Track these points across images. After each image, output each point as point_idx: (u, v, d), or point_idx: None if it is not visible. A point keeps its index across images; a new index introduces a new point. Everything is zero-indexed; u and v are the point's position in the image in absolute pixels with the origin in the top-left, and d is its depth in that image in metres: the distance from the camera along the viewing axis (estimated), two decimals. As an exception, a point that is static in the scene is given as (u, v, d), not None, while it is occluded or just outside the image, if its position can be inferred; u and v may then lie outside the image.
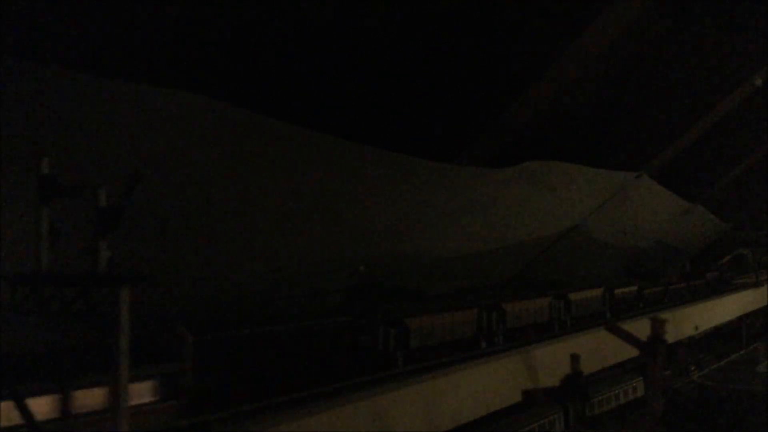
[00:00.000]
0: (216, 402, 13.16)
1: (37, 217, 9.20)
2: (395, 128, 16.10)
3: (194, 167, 13.45)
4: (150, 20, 10.55)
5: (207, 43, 11.59)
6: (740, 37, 21.14)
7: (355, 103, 14.53)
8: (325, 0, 12.22)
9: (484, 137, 18.91)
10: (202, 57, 11.67)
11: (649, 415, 21.94)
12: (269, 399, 13.71)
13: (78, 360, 11.09)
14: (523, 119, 18.82)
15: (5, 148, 10.16)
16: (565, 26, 16.48)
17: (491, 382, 18.42)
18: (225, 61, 12.08)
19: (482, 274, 26.37)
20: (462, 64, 15.56)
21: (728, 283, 45.18)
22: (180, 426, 12.22)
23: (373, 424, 14.30)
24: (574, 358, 21.47)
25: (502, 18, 14.92)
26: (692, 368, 33.67)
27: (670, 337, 25.63)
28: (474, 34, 14.92)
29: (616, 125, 23.19)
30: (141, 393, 11.72)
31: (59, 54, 10.03)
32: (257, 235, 16.24)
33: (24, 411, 9.40)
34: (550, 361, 20.91)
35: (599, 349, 23.54)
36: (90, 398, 11.11)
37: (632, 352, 23.96)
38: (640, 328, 24.23)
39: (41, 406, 10.78)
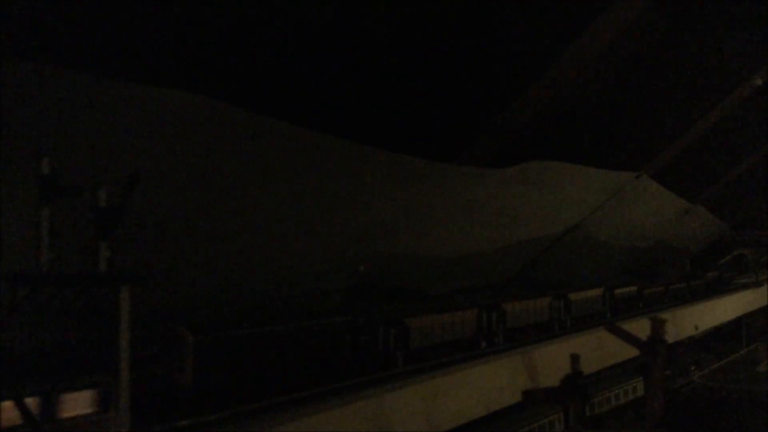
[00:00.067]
0: (216, 402, 13.16)
1: (37, 217, 9.22)
2: (395, 128, 16.11)
3: (194, 167, 13.46)
4: (150, 20, 10.56)
5: (207, 43, 11.60)
6: (740, 37, 21.17)
7: (354, 103, 14.54)
8: (325, 0, 12.23)
9: (484, 137, 18.92)
10: (202, 57, 11.68)
11: (649, 415, 21.98)
12: (269, 399, 13.71)
13: (68, 360, 11.00)
14: (523, 119, 18.84)
15: (5, 148, 10.18)
16: (565, 26, 16.50)
17: (491, 382, 18.40)
18: (225, 61, 12.09)
19: (482, 274, 26.39)
20: (462, 65, 15.57)
21: (728, 283, 45.13)
22: (180, 426, 12.22)
23: (373, 424, 14.30)
24: (574, 358, 21.45)
25: (502, 18, 14.93)
26: (692, 368, 33.66)
27: (670, 337, 25.68)
28: (474, 35, 14.93)
29: (616, 125, 23.19)
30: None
31: (59, 54, 10.04)
32: (257, 236, 16.26)
33: (24, 411, 9.40)
34: (550, 361, 20.89)
35: (599, 349, 23.52)
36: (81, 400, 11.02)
37: (632, 352, 24.03)
38: (640, 328, 24.28)
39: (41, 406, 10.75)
